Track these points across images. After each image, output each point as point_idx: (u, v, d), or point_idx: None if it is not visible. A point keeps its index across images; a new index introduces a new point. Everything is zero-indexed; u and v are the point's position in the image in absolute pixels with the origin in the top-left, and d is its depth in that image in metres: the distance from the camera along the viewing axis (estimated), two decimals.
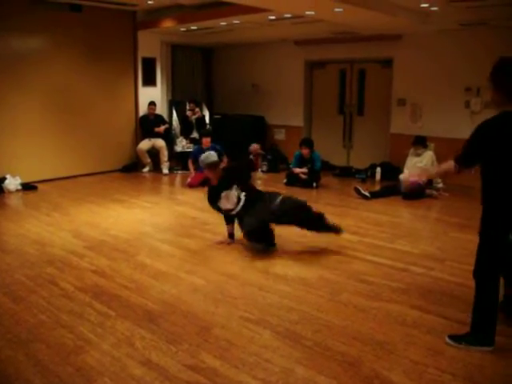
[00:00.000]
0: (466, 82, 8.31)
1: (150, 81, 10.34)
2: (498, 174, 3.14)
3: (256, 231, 5.11)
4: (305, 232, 5.88)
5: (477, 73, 8.16)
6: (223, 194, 5.21)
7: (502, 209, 3.14)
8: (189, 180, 8.63)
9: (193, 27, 9.13)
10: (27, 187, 8.24)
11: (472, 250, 5.22)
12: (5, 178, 8.11)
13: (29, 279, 4.47)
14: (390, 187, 8.09)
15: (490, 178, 3.18)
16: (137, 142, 10.11)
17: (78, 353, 3.21)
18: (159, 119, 10.13)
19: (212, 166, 5.32)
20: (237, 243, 5.49)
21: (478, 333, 3.29)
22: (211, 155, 5.37)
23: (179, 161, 10.03)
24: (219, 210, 5.36)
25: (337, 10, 6.37)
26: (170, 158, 9.96)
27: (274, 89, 11.01)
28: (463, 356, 3.20)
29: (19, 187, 8.17)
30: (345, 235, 5.77)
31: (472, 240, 5.56)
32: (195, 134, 10.27)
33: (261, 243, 5.26)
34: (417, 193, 7.73)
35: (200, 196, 7.85)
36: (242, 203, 5.19)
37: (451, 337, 3.39)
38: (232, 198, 5.20)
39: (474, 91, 8.24)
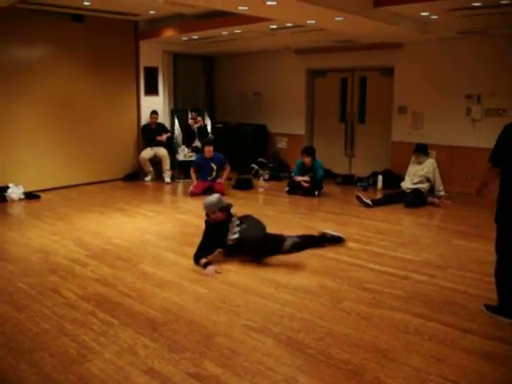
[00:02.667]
0: (467, 89, 8.34)
1: (152, 90, 10.39)
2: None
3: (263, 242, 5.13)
4: None
5: (477, 80, 8.22)
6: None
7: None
8: (191, 189, 8.64)
9: (194, 36, 9.19)
10: (30, 196, 8.27)
11: (474, 258, 5.29)
12: (8, 187, 8.14)
13: (31, 288, 4.48)
14: (392, 195, 8.10)
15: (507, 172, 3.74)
16: (139, 151, 10.13)
17: (81, 361, 3.22)
18: (161, 128, 10.16)
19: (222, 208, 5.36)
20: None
21: (504, 304, 3.80)
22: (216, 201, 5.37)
23: (181, 169, 10.04)
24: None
25: (337, 19, 6.41)
26: (172, 167, 9.97)
27: (275, 97, 11.05)
28: (465, 363, 3.20)
29: (22, 196, 8.20)
30: (347, 243, 5.78)
31: (474, 248, 5.63)
32: (197, 143, 10.30)
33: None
34: (419, 201, 7.75)
35: (202, 204, 7.88)
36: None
37: (486, 306, 3.93)
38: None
39: (474, 99, 8.26)
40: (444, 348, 3.40)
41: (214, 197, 5.44)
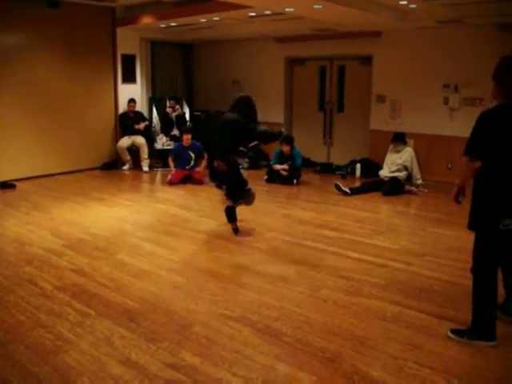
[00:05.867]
0: (445, 78, 8.39)
1: (129, 78, 10.25)
2: (494, 161, 3.21)
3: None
4: (285, 229, 5.92)
5: (455, 69, 8.27)
6: None
7: (494, 198, 3.21)
8: (169, 177, 8.58)
9: (172, 24, 9.08)
10: (5, 186, 8.12)
11: (450, 245, 5.35)
12: None
13: (6, 279, 4.41)
14: (370, 183, 8.14)
15: (487, 166, 3.23)
16: (116, 140, 10.01)
17: (57, 353, 3.19)
18: (139, 116, 10.06)
19: None
20: (216, 241, 5.50)
21: (479, 327, 3.32)
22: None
23: (159, 158, 9.96)
24: None
25: (316, 6, 6.38)
26: (150, 156, 9.89)
27: (254, 85, 10.97)
28: (441, 350, 3.23)
29: None
30: (325, 231, 5.81)
31: (450, 235, 5.69)
32: (175, 131, 10.23)
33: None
34: (396, 189, 7.80)
35: (180, 193, 7.85)
36: None
37: (453, 331, 3.42)
38: None
39: (452, 88, 8.31)
40: (421, 335, 3.43)
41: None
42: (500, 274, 3.44)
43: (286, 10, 6.94)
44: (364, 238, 5.65)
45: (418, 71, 8.71)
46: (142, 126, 9.92)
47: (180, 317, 3.69)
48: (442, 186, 8.23)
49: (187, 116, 10.65)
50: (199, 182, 8.43)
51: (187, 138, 8.73)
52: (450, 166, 8.45)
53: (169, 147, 9.77)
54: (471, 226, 3.35)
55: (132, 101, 9.94)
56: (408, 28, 8.40)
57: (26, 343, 3.31)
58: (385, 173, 8.17)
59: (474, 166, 3.26)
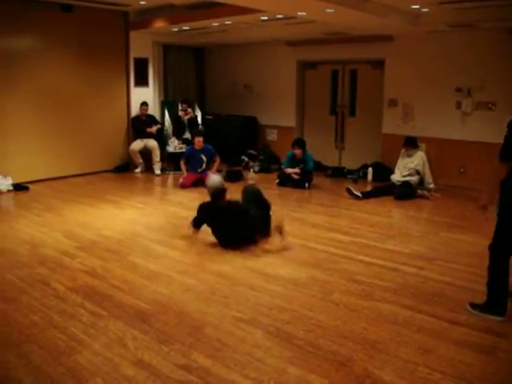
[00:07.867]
0: (457, 82, 8.35)
1: (142, 81, 10.32)
2: None
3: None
4: (297, 233, 5.92)
5: (467, 73, 8.23)
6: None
7: None
8: (181, 180, 8.62)
9: (185, 27, 9.14)
10: (19, 188, 8.20)
11: (462, 250, 5.33)
12: None
13: (20, 280, 4.46)
14: (382, 187, 8.13)
15: None
16: (129, 143, 10.08)
17: (70, 353, 3.21)
18: (151, 119, 10.12)
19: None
20: None
21: (491, 304, 3.72)
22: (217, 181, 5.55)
23: (171, 161, 10.01)
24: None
25: (328, 10, 6.39)
26: (162, 159, 9.94)
27: (266, 89, 11.02)
28: (453, 355, 3.22)
29: (10, 188, 8.12)
30: (336, 235, 5.81)
31: (462, 240, 5.67)
32: (187, 135, 10.27)
33: None
34: (408, 193, 7.78)
35: (192, 196, 7.87)
36: None
37: (470, 304, 3.85)
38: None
39: (464, 92, 8.27)
40: (432, 339, 3.42)
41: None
42: None
43: (299, 14, 6.96)
44: (375, 242, 5.64)
45: (430, 75, 8.68)
46: (154, 129, 9.97)
47: (192, 319, 3.71)
48: (454, 190, 8.21)
49: (199, 119, 10.69)
50: None
51: (199, 141, 8.77)
52: (462, 170, 8.42)
53: (181, 150, 9.81)
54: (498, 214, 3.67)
55: (144, 104, 10.00)
56: (420, 32, 8.39)
57: (40, 343, 3.34)
58: (397, 177, 8.15)
59: (506, 169, 3.55)
